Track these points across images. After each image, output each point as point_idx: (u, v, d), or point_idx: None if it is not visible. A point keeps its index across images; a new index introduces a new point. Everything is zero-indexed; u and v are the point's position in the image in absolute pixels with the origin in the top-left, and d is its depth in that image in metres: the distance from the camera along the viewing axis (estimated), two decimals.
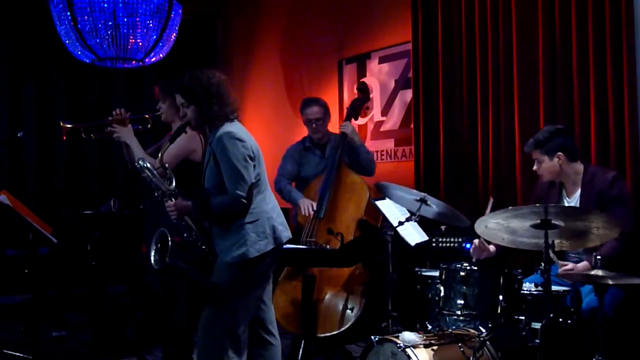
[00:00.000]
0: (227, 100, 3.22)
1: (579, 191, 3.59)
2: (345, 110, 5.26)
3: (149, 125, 4.07)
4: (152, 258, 3.20)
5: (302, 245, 4.44)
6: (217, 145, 3.14)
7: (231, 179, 3.10)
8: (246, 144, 3.15)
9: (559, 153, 3.55)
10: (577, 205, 3.56)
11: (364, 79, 5.72)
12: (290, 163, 4.85)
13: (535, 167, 3.67)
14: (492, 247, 3.61)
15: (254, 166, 3.18)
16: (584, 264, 3.42)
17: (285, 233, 3.27)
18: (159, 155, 3.33)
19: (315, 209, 4.58)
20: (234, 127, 3.19)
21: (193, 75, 3.22)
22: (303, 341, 4.04)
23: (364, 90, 4.95)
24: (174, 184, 3.26)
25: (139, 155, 3.87)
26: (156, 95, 4.07)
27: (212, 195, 3.19)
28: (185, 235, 3.26)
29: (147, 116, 4.06)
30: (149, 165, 3.29)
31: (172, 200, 3.23)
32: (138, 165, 3.31)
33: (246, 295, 3.19)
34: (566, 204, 3.64)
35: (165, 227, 3.23)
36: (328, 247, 4.42)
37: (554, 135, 3.58)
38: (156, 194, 3.31)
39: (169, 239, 3.13)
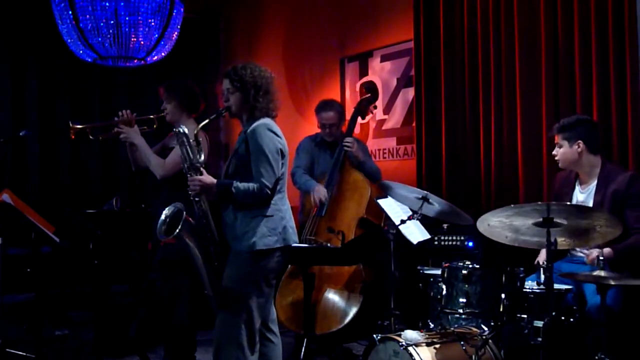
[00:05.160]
0: (273, 96, 3.32)
1: (593, 184, 3.59)
2: (348, 109, 5.25)
3: (154, 126, 4.09)
4: (159, 227, 3.20)
5: (303, 243, 4.44)
6: (253, 134, 3.19)
7: (261, 168, 3.14)
8: (282, 140, 3.24)
9: (579, 141, 3.57)
10: (590, 198, 3.57)
11: (367, 78, 5.72)
12: (305, 155, 4.85)
13: (554, 151, 3.69)
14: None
15: (282, 164, 3.23)
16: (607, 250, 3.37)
17: (294, 237, 3.32)
18: (195, 130, 3.30)
19: (326, 199, 4.58)
20: (272, 123, 3.27)
21: (247, 65, 3.32)
22: (305, 339, 4.04)
23: (372, 89, 4.94)
24: (203, 157, 3.28)
25: (147, 155, 3.89)
26: (161, 95, 4.08)
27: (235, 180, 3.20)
28: (197, 217, 3.25)
29: (152, 117, 4.08)
30: (187, 132, 3.27)
31: (197, 174, 3.22)
32: (176, 131, 3.29)
33: (260, 292, 3.21)
34: (579, 194, 3.65)
35: None
36: (329, 245, 4.42)
37: (578, 123, 3.61)
38: (183, 166, 3.28)
39: (184, 214, 3.13)
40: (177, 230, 3.11)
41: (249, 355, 3.16)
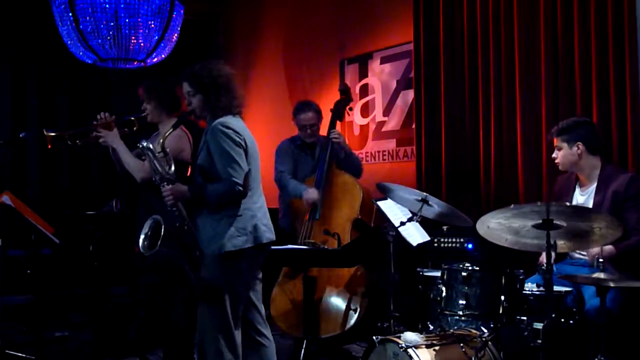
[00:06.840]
0: (234, 93, 3.27)
1: (593, 186, 3.60)
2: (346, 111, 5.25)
3: (135, 128, 4.05)
4: (141, 244, 3.18)
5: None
6: (211, 134, 3.16)
7: (227, 167, 3.10)
8: (240, 135, 3.17)
9: (579, 143, 3.59)
10: (590, 200, 3.58)
11: (366, 80, 5.73)
12: (288, 159, 4.81)
13: (554, 154, 3.71)
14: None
15: (248, 162, 3.18)
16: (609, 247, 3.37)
17: (268, 234, 3.25)
18: (161, 140, 3.32)
19: (320, 201, 4.56)
20: (231, 120, 3.21)
21: (203, 66, 3.27)
22: (305, 341, 4.04)
23: (346, 91, 4.96)
24: (172, 168, 3.26)
25: (126, 158, 3.88)
26: (141, 96, 4.06)
27: (204, 182, 3.19)
28: (177, 224, 3.23)
29: (132, 119, 4.03)
30: (151, 146, 3.27)
31: (169, 185, 3.22)
32: (140, 147, 3.28)
33: (234, 292, 3.17)
34: (579, 196, 3.66)
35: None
36: (326, 247, 4.41)
37: (577, 125, 3.64)
38: (154, 178, 3.28)
39: (163, 226, 3.12)
40: (158, 246, 3.09)
41: (229, 357, 3.13)
